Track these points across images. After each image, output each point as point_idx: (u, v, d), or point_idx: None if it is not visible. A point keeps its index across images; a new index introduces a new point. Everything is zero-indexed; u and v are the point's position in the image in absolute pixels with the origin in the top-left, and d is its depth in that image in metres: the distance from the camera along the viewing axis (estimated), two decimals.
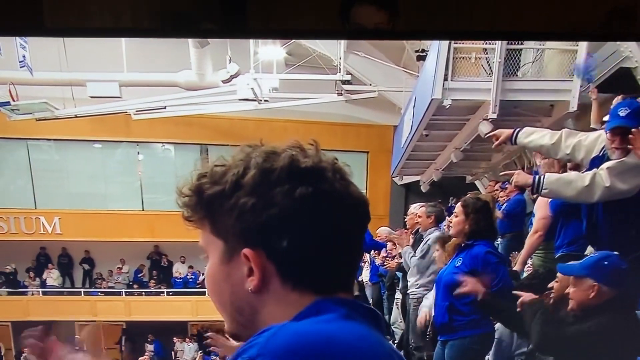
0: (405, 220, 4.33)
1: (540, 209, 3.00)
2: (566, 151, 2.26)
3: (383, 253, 4.69)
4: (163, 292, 9.51)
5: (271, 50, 6.93)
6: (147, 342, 9.06)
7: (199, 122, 7.99)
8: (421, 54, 5.77)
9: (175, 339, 9.20)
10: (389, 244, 4.35)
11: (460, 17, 2.05)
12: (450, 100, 4.51)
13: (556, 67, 4.36)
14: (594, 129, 2.93)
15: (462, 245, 2.65)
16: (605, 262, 1.95)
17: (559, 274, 2.24)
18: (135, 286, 9.55)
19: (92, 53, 6.45)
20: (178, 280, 9.56)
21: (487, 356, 2.75)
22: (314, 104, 7.29)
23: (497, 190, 4.31)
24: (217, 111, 7.38)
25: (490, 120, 4.36)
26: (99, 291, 9.42)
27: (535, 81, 4.44)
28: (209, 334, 1.28)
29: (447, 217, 3.98)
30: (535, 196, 3.11)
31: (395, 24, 1.96)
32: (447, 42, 4.21)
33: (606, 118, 2.29)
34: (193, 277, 9.47)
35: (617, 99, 2.52)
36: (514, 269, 3.07)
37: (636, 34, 2.28)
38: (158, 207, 8.45)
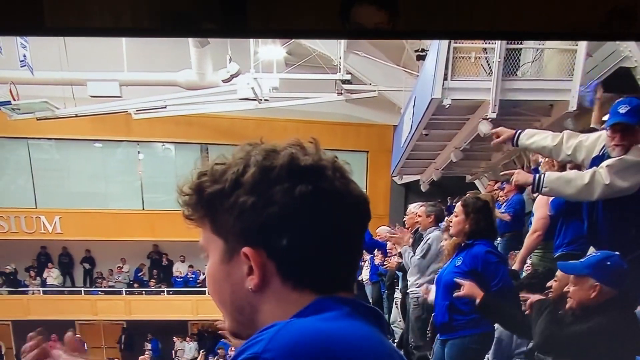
0: (404, 219, 4.34)
1: (540, 209, 3.00)
2: (567, 152, 2.26)
3: (382, 253, 4.70)
4: (163, 291, 9.52)
5: (271, 50, 6.94)
6: (147, 340, 9.08)
7: (199, 121, 8.00)
8: (421, 53, 5.78)
9: (175, 338, 9.21)
10: (389, 244, 4.36)
11: (460, 17, 2.05)
12: (450, 99, 4.52)
13: (555, 66, 4.36)
14: (594, 129, 2.93)
15: (462, 244, 2.65)
16: (608, 262, 1.94)
17: (558, 273, 2.24)
18: (135, 285, 9.56)
19: (92, 53, 6.47)
20: (178, 280, 9.57)
21: (486, 355, 2.76)
22: (314, 104, 7.30)
23: (496, 190, 4.32)
24: (217, 111, 7.39)
25: (489, 119, 4.37)
26: (99, 290, 9.44)
27: (535, 81, 4.44)
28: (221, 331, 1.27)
29: (446, 217, 3.99)
30: (535, 195, 3.12)
31: (395, 24, 1.96)
32: (447, 41, 4.22)
33: (606, 117, 2.29)
34: (193, 276, 9.48)
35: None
36: (512, 268, 3.07)
37: (636, 34, 2.29)
38: (158, 206, 8.47)
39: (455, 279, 2.45)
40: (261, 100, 6.87)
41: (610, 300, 1.93)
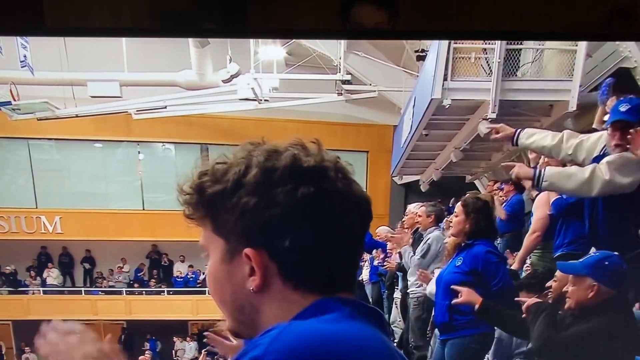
0: (403, 219, 4.34)
1: (539, 209, 3.00)
2: (568, 152, 2.27)
3: (382, 253, 4.70)
4: (163, 291, 9.52)
5: (271, 50, 6.94)
6: (145, 340, 9.08)
7: (200, 121, 8.01)
8: (421, 54, 5.77)
9: (175, 338, 9.21)
10: (389, 244, 4.36)
11: (460, 17, 2.05)
12: (450, 100, 4.52)
13: (555, 67, 4.36)
14: (594, 130, 2.93)
15: (463, 244, 2.66)
16: (606, 262, 1.94)
17: (557, 273, 2.24)
18: (135, 285, 9.56)
19: (92, 53, 6.47)
20: (178, 280, 9.56)
21: (486, 355, 2.76)
22: (314, 104, 7.29)
23: (496, 190, 4.32)
24: (217, 111, 7.38)
25: (489, 120, 4.37)
26: (99, 290, 9.44)
27: (535, 81, 4.44)
28: (207, 332, 1.27)
29: (446, 217, 4.00)
30: (535, 195, 3.12)
31: (395, 24, 1.96)
32: (447, 42, 4.22)
33: (606, 117, 2.29)
34: (193, 276, 9.48)
35: None
36: (511, 267, 3.07)
37: (636, 34, 2.29)
38: (158, 206, 8.46)
39: (452, 287, 2.45)
40: (261, 100, 6.86)
41: (608, 300, 1.93)
